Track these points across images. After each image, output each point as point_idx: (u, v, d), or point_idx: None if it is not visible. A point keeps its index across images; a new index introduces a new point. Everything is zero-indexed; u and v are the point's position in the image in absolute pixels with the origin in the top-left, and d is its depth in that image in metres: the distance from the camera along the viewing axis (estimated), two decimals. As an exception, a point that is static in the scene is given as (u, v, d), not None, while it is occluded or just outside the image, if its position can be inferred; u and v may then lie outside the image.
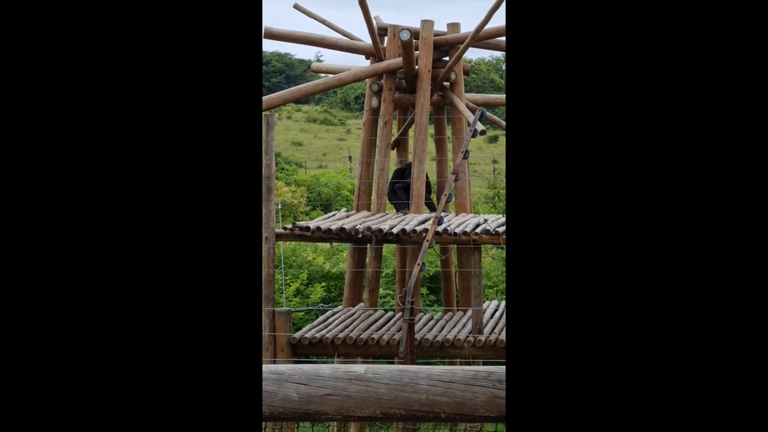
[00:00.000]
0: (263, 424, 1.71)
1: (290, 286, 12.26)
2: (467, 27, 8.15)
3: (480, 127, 6.80)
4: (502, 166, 29.53)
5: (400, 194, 7.91)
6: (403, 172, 8.09)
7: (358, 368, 1.71)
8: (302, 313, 10.23)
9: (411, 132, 8.62)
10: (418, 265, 6.12)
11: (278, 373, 1.66)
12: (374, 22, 8.23)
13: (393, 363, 8.14)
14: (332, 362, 8.17)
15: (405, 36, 7.61)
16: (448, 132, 9.23)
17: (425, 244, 6.20)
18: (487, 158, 29.54)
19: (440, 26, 8.45)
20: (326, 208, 16.54)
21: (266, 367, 1.69)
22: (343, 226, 7.17)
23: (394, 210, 7.87)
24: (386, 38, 8.54)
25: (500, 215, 8.08)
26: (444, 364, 8.53)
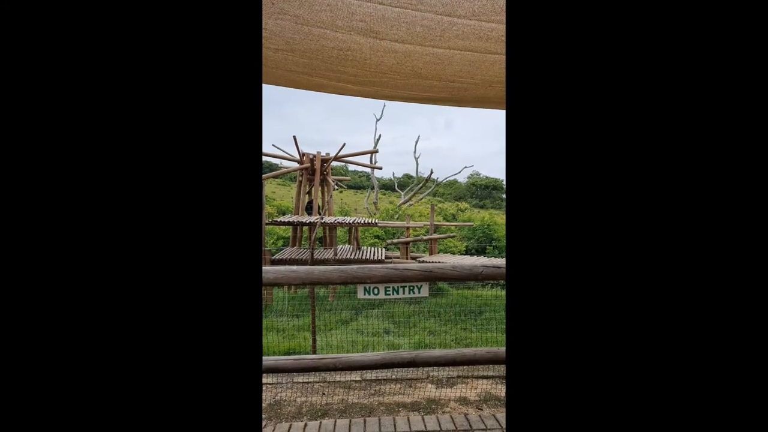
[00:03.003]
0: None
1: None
2: (333, 149, 19.22)
3: (336, 185, 17.92)
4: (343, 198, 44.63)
5: (308, 209, 17.68)
6: (310, 203, 18.07)
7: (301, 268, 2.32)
8: (274, 250, 16.27)
9: (312, 190, 17.11)
10: (315, 233, 10.06)
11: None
12: (300, 151, 17.62)
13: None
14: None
15: (311, 156, 18.11)
16: (325, 191, 17.60)
17: (317, 228, 12.08)
18: (337, 197, 44.85)
19: (326, 150, 19.13)
20: (283, 213, 27.00)
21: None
22: (291, 220, 14.88)
23: (306, 214, 16.99)
24: (304, 156, 17.39)
25: (343, 217, 16.16)
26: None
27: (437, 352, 3.91)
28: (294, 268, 3.34)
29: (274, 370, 3.81)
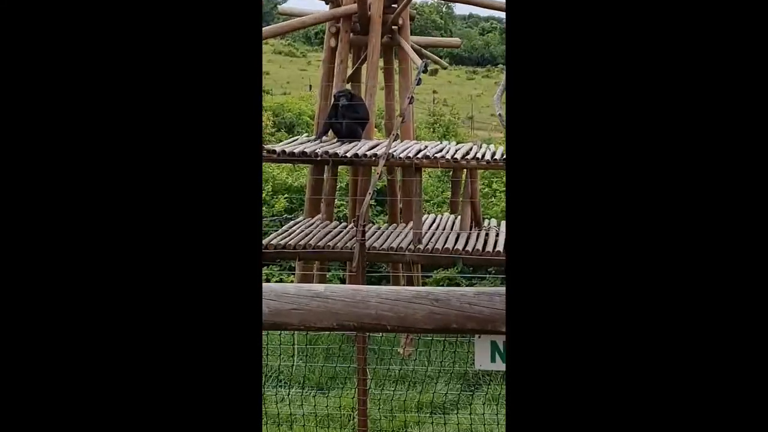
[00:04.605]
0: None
1: (256, 196, 12.97)
2: None
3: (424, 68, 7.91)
4: (440, 95, 31.00)
5: (346, 113, 8.44)
6: (350, 102, 8.57)
7: (319, 287, 1.92)
8: (268, 222, 10.62)
9: (364, 68, 9.40)
10: (369, 194, 7.10)
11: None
12: (333, -28, 9.02)
13: (345, 268, 8.66)
14: (294, 264, 8.96)
15: None
16: (395, 66, 10.13)
17: (375, 176, 7.29)
18: (428, 89, 30.85)
19: None
20: (290, 130, 17.15)
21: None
22: (305, 150, 8.01)
23: (333, 133, 8.60)
24: None
25: (438, 142, 9.18)
26: (389, 267, 9.52)
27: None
28: (315, 289, 1.94)
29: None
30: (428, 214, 9.48)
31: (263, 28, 9.21)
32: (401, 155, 7.76)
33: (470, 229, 8.19)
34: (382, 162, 7.17)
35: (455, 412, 7.14)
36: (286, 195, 12.56)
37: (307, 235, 8.12)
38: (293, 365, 7.71)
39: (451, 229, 8.37)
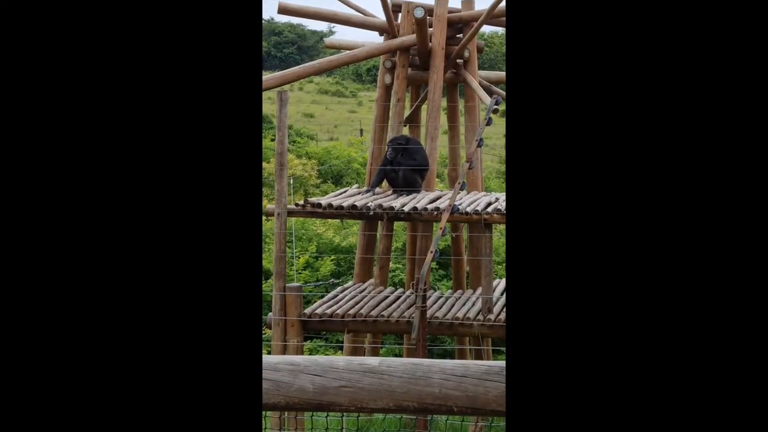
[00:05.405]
0: (280, 414, 1.84)
1: (299, 258, 12.67)
2: (482, 4, 8.81)
3: (495, 106, 7.38)
4: (514, 140, 30.91)
5: (400, 159, 8.22)
6: (404, 147, 8.35)
7: (372, 361, 1.80)
8: (312, 287, 10.60)
9: (424, 108, 9.19)
10: (431, 252, 6.59)
11: (293, 364, 1.73)
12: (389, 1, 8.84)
13: (402, 341, 9.02)
14: (342, 338, 8.69)
15: (419, 13, 8.18)
16: (461, 105, 9.89)
17: (438, 232, 6.75)
18: (498, 132, 30.39)
19: (454, 3, 8.97)
20: (337, 181, 17.39)
21: (282, 358, 1.77)
22: (355, 203, 7.61)
23: (387, 184, 8.29)
24: (400, 15, 9.09)
25: None
26: (453, 342, 9.10)
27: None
28: (368, 363, 1.85)
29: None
30: (500, 278, 9.08)
31: (307, 64, 9.87)
32: (468, 209, 7.48)
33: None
34: (445, 217, 6.92)
35: None
36: (333, 256, 12.59)
37: (357, 303, 7.92)
38: (342, 456, 7.48)
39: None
